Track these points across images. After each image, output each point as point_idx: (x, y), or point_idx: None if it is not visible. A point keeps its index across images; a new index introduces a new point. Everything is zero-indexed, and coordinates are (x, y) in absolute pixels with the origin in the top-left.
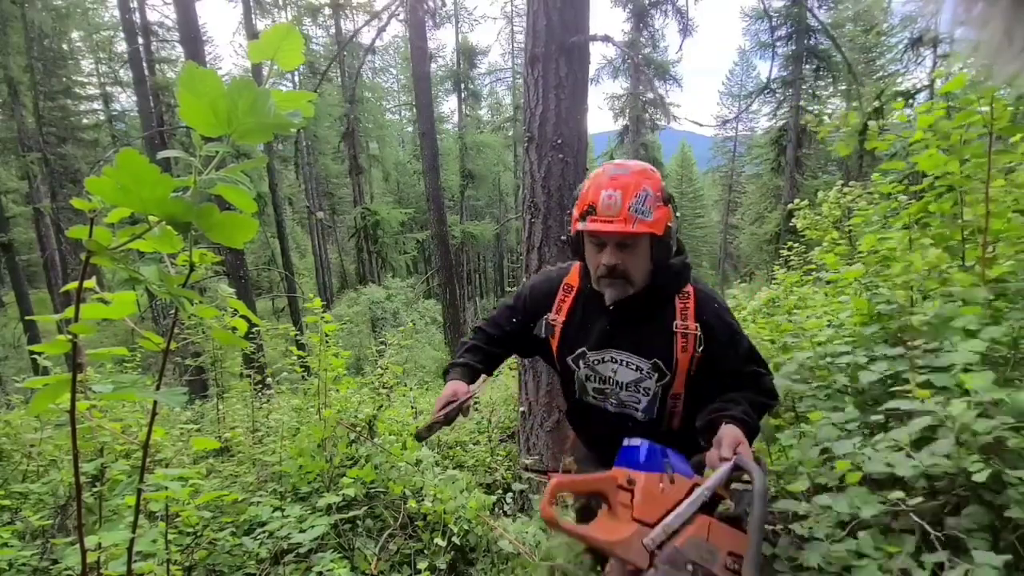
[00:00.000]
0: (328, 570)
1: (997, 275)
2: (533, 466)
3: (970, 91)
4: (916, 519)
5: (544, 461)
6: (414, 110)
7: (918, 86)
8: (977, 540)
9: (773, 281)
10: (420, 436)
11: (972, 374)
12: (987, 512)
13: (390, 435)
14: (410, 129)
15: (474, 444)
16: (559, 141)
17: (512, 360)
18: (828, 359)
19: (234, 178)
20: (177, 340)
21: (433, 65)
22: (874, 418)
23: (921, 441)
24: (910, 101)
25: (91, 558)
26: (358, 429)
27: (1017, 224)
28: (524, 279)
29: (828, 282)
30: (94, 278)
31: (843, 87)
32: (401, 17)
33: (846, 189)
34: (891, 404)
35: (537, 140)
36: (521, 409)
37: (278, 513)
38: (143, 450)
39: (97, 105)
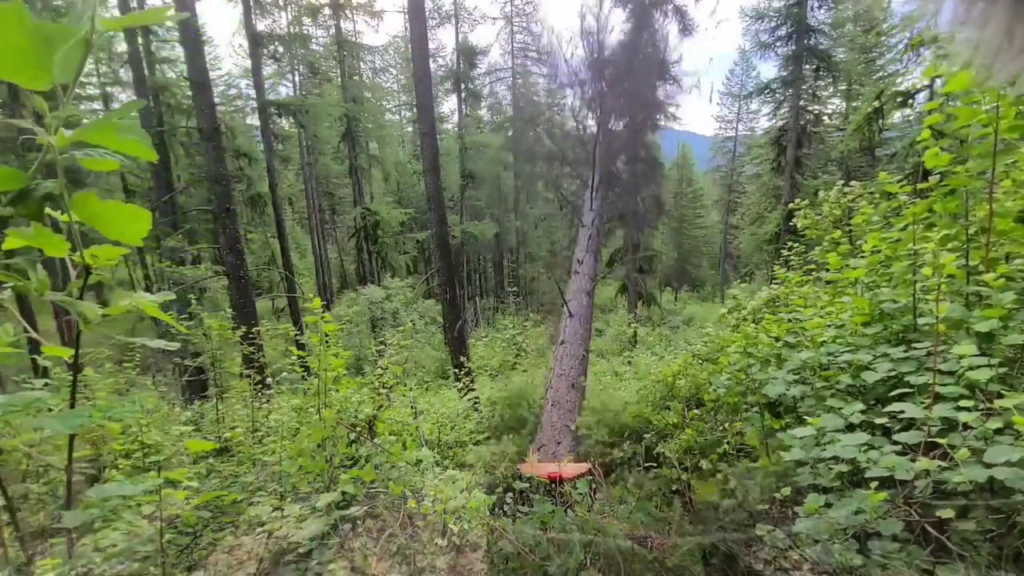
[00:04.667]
0: (328, 571)
1: (1002, 273)
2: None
3: (973, 92)
4: (933, 531)
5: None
6: (414, 110)
7: (918, 86)
8: (979, 554)
9: (774, 281)
10: None
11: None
12: (993, 517)
13: (390, 435)
14: (410, 129)
15: (474, 444)
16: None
17: (512, 359)
18: (830, 357)
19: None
20: (176, 340)
21: (433, 65)
22: (879, 421)
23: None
24: (910, 101)
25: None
26: (358, 429)
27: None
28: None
29: (828, 282)
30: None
31: (843, 87)
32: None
33: (847, 189)
34: (895, 407)
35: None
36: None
37: (278, 513)
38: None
39: (97, 105)
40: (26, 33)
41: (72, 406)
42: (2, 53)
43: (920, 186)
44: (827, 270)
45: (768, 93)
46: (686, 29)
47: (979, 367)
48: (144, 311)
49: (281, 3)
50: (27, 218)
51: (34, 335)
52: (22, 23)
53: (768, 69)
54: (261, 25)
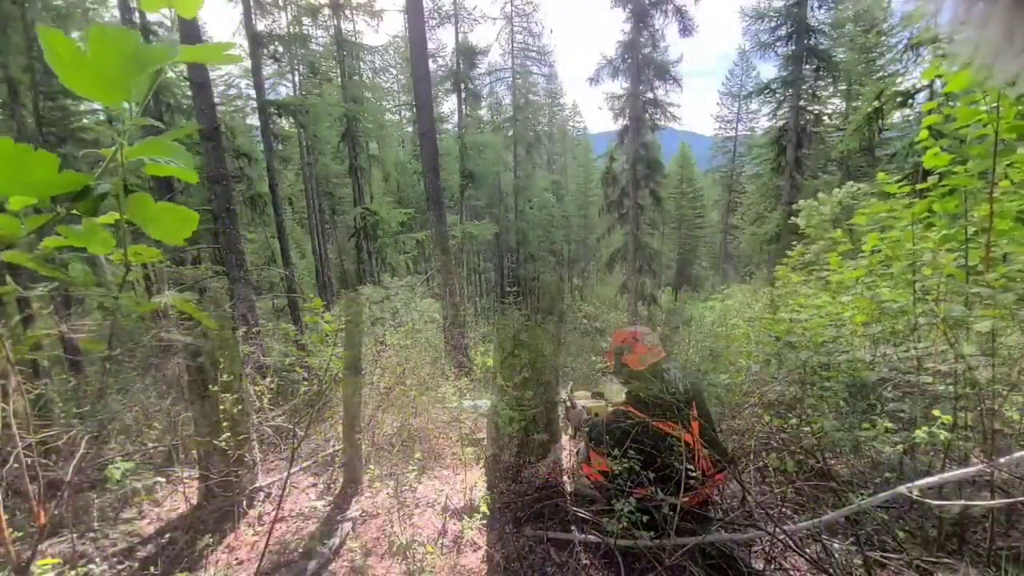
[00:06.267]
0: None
1: (1001, 273)
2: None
3: (973, 92)
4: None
5: None
6: (414, 110)
7: (918, 86)
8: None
9: (773, 282)
10: None
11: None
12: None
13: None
14: (410, 129)
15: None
16: None
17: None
18: (830, 357)
19: (167, 151)
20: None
21: (433, 65)
22: (879, 421)
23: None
24: (910, 101)
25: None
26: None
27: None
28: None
29: (828, 283)
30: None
31: (843, 87)
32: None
33: (842, 190)
34: (895, 407)
35: None
36: None
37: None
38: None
39: (97, 105)
40: (124, 59)
41: (101, 395)
42: (95, 75)
43: (919, 186)
44: (826, 269)
45: (768, 93)
46: (686, 29)
47: (979, 367)
48: (177, 306)
49: (281, 3)
50: (83, 216)
51: (67, 332)
52: (123, 51)
53: (768, 69)
54: (261, 25)
